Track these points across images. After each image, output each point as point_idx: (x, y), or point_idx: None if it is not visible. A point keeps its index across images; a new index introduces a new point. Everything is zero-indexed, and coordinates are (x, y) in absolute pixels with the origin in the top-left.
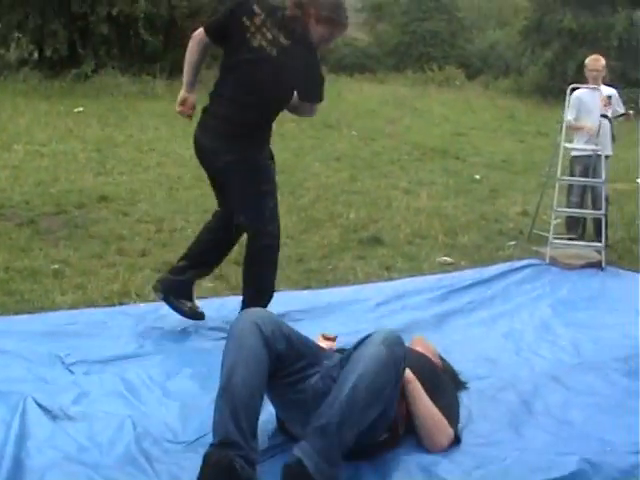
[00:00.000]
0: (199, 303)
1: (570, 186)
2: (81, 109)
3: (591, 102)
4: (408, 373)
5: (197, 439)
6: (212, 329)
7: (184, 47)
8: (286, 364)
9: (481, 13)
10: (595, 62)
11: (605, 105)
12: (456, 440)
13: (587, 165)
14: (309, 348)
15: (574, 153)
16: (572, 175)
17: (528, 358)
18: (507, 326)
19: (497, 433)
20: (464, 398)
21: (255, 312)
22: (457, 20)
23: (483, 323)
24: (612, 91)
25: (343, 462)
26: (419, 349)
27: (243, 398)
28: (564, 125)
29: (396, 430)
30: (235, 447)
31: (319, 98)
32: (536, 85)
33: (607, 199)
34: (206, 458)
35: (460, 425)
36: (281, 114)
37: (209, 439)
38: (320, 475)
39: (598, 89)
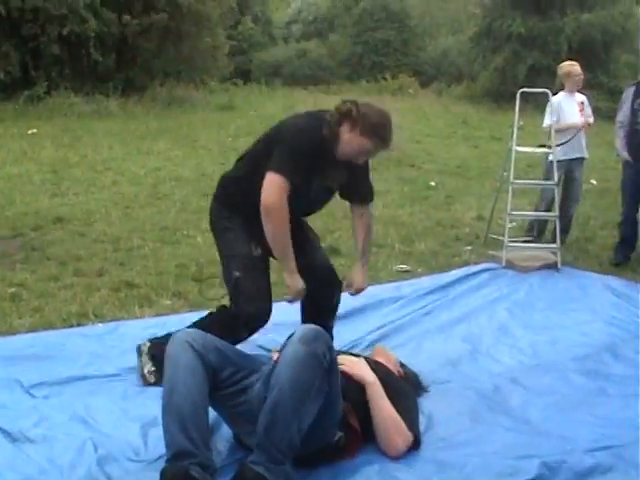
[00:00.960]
0: (156, 320)
1: (544, 191)
2: (35, 131)
3: (570, 107)
4: (370, 375)
5: (160, 457)
6: None
7: (136, 65)
8: (224, 376)
9: (433, 21)
10: (577, 67)
11: (580, 110)
12: (416, 444)
13: (569, 169)
14: (245, 358)
15: (555, 158)
16: (547, 180)
17: (487, 361)
18: (465, 330)
19: (458, 435)
20: (425, 402)
21: (184, 332)
22: (409, 28)
23: (441, 329)
24: (582, 97)
25: (297, 465)
26: (380, 359)
27: (188, 412)
28: (515, 129)
29: (351, 428)
30: (189, 456)
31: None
32: (488, 90)
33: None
34: (163, 474)
35: (421, 428)
36: None
37: None
38: (267, 472)
39: (573, 95)
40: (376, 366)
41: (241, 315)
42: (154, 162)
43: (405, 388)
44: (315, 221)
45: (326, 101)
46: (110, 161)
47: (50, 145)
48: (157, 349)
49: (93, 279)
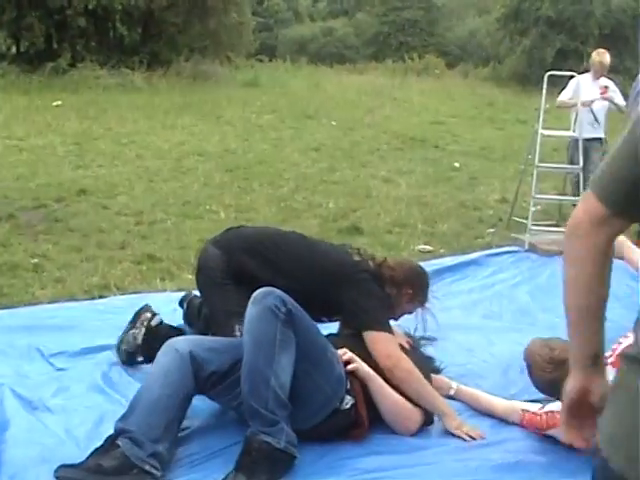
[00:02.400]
0: (178, 294)
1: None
2: (59, 103)
3: (589, 89)
4: (366, 371)
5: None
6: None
7: (162, 40)
8: (221, 373)
9: (460, 1)
10: (606, 58)
11: (602, 92)
12: (428, 420)
13: (585, 150)
14: (235, 347)
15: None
16: (572, 163)
17: (506, 344)
18: (486, 312)
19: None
20: None
21: (176, 339)
22: (436, 8)
23: (462, 309)
24: (608, 82)
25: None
26: None
27: (153, 409)
28: (541, 112)
29: (358, 394)
30: (124, 432)
31: None
32: (514, 73)
33: None
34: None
35: None
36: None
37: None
38: (268, 436)
39: (597, 80)
40: None
41: None
42: (178, 136)
43: (415, 361)
44: (338, 200)
45: (351, 79)
46: (134, 134)
47: (75, 117)
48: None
49: (115, 251)
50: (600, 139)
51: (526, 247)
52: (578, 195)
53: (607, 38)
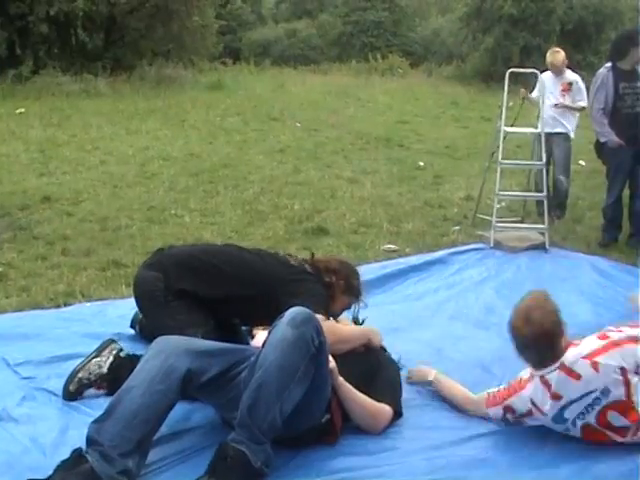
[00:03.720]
0: None
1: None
2: (22, 110)
3: (552, 87)
4: (337, 375)
5: None
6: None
7: (125, 44)
8: (208, 377)
9: (422, 0)
10: (559, 57)
11: (563, 90)
12: (397, 415)
13: (548, 145)
14: (232, 352)
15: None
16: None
17: (473, 341)
18: (453, 310)
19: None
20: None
21: (165, 339)
22: (399, 8)
23: (428, 308)
24: (574, 78)
25: (280, 445)
26: None
27: (129, 414)
28: (504, 110)
29: (335, 410)
30: (95, 444)
31: None
32: (478, 71)
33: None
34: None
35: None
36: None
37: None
38: (248, 450)
39: (558, 76)
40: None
41: None
42: (143, 141)
43: (381, 358)
44: (303, 201)
45: (315, 80)
46: (98, 140)
47: (38, 124)
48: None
49: (80, 259)
50: (563, 134)
51: (491, 244)
52: (542, 190)
53: (569, 34)
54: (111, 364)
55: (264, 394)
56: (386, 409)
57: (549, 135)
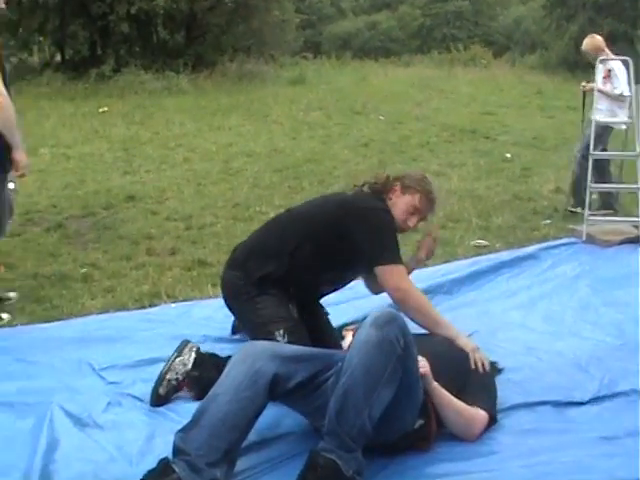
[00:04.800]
0: None
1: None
2: (106, 109)
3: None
4: (431, 382)
5: None
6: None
7: (206, 41)
8: (295, 383)
9: None
10: (587, 42)
11: (605, 77)
12: (492, 421)
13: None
14: (320, 357)
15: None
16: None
17: (570, 341)
18: (547, 308)
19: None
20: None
21: (251, 344)
22: None
23: (522, 306)
24: (614, 65)
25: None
26: None
27: (216, 422)
28: (595, 99)
29: (430, 415)
30: (182, 453)
31: None
32: (563, 59)
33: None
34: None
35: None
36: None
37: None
38: (339, 459)
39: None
40: (438, 341)
41: None
42: (226, 138)
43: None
44: None
45: (397, 72)
46: (182, 138)
47: (121, 123)
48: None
49: (165, 258)
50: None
51: (584, 238)
52: (606, 181)
53: None
54: (195, 360)
55: (351, 399)
56: (481, 414)
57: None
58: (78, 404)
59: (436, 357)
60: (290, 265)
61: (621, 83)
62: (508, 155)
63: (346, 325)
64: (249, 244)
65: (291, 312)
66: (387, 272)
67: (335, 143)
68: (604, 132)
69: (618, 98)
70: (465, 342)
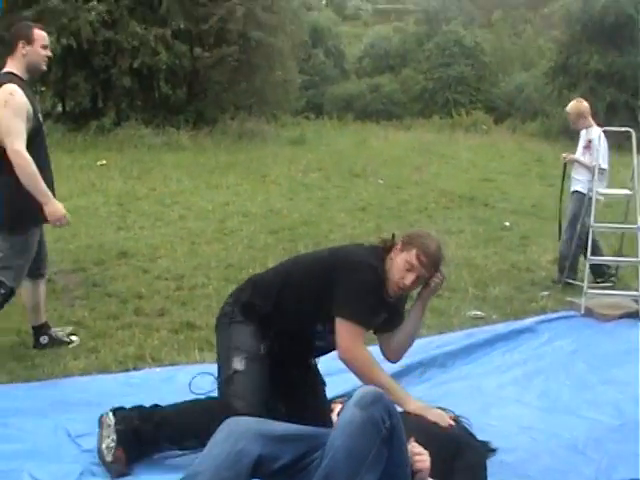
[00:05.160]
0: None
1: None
2: (104, 162)
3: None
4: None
5: None
6: None
7: (207, 98)
8: (280, 464)
9: (505, 56)
10: (572, 105)
11: (585, 147)
12: None
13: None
14: (305, 437)
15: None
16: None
17: (566, 422)
18: (543, 385)
19: None
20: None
21: (236, 422)
22: (482, 64)
23: (517, 382)
24: (593, 135)
25: None
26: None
27: None
28: (596, 171)
29: None
30: None
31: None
32: (564, 127)
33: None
34: None
35: None
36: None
37: None
38: None
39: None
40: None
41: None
42: (223, 196)
43: (462, 441)
44: None
45: (398, 136)
46: (178, 194)
47: (118, 177)
48: (123, 422)
49: (153, 319)
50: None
51: (582, 311)
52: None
53: None
54: (118, 438)
55: None
56: None
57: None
58: (49, 473)
59: (424, 439)
60: (275, 305)
61: (600, 155)
62: (507, 223)
63: (336, 398)
64: (254, 276)
65: (260, 348)
66: (345, 328)
67: (332, 206)
68: (584, 204)
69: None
70: (415, 406)
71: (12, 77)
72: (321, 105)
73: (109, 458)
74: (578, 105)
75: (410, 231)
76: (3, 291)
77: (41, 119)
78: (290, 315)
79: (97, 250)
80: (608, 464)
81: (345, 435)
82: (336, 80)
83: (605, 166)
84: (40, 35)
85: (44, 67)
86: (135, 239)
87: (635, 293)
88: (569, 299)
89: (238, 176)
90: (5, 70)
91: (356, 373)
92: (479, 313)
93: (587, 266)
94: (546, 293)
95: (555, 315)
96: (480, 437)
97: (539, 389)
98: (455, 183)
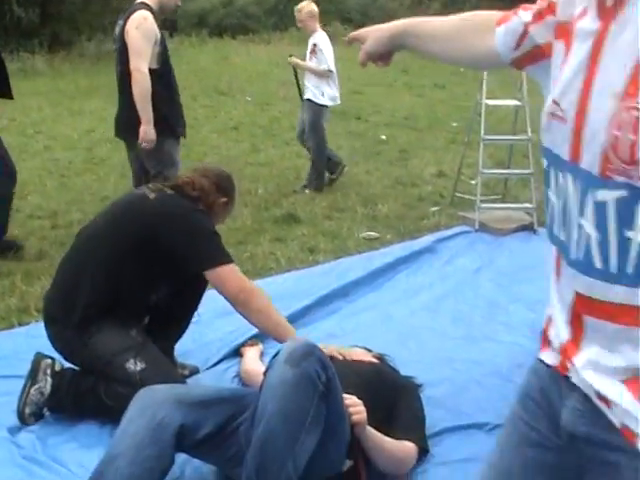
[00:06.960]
0: None
1: None
2: None
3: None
4: (364, 426)
5: None
6: None
7: (62, 19)
8: (205, 432)
9: None
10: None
11: (311, 52)
12: (423, 452)
13: None
14: (228, 399)
15: None
16: None
17: (485, 349)
18: (454, 309)
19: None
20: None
21: (151, 391)
22: None
23: (427, 307)
24: (317, 39)
25: None
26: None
27: None
28: (484, 81)
29: (358, 455)
30: None
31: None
32: None
33: None
34: None
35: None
36: None
37: None
38: None
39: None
40: (356, 366)
41: None
42: (87, 123)
43: (396, 385)
44: (267, 185)
45: (259, 51)
46: (40, 124)
47: None
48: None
49: (32, 264)
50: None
51: (476, 226)
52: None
53: None
54: (52, 386)
55: (270, 452)
56: (412, 450)
57: None
58: None
59: (361, 389)
60: (107, 293)
61: (327, 58)
62: (383, 137)
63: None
64: (51, 295)
65: (134, 337)
66: (222, 274)
67: (203, 126)
68: (320, 113)
69: (325, 74)
70: (331, 348)
71: (145, 6)
72: (175, 22)
73: (30, 409)
74: (310, 5)
75: (229, 183)
76: None
77: (168, 49)
78: (131, 293)
79: None
80: None
81: (278, 397)
82: None
83: (333, 68)
84: None
85: (179, 2)
86: None
87: (529, 205)
88: (461, 214)
89: (101, 100)
90: (139, 0)
91: (254, 311)
92: (372, 234)
93: (479, 179)
94: (436, 208)
95: (450, 232)
96: (403, 372)
97: (451, 314)
98: None
